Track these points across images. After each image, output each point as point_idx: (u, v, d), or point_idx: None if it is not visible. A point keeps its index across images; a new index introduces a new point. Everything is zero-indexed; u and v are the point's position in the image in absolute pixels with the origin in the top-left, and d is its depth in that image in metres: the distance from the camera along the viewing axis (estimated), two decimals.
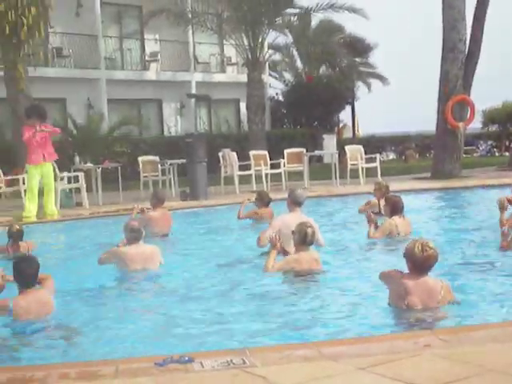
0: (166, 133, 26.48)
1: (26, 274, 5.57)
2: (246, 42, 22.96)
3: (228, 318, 5.58)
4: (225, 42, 26.58)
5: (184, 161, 16.53)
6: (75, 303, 6.33)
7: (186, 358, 4.02)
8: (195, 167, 15.44)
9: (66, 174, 15.38)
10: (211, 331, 5.20)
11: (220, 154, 17.68)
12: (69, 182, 15.53)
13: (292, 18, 25.70)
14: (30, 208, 13.10)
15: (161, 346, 4.82)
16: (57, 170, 14.37)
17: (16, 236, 8.54)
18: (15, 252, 8.42)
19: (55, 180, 14.05)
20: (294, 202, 8.09)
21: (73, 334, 5.33)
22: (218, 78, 28.19)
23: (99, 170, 15.68)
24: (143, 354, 4.61)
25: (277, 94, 32.25)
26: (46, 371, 4.06)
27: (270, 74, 30.84)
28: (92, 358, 4.62)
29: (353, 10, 25.32)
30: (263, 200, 10.93)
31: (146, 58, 26.60)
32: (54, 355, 4.83)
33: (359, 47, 33.42)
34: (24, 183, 14.41)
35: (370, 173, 18.07)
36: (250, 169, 17.42)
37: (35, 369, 4.21)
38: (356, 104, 34.02)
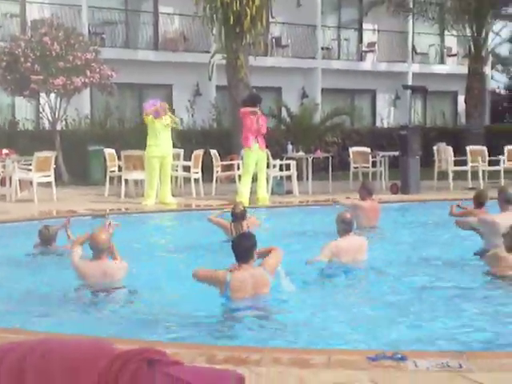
0: (378, 124, 26.28)
1: (241, 248, 5.70)
2: (468, 33, 22.10)
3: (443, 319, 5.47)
4: (446, 32, 25.76)
5: (396, 153, 16.35)
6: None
7: (400, 356, 3.98)
8: (408, 160, 15.28)
9: (278, 161, 15.78)
10: (418, 329, 5.15)
11: (434, 148, 17.25)
12: (280, 169, 15.89)
13: None
14: (244, 192, 13.63)
15: (374, 340, 4.81)
16: (270, 157, 14.81)
17: (239, 216, 8.91)
18: (237, 231, 8.75)
19: (267, 167, 14.49)
20: (507, 201, 8.03)
21: (285, 317, 5.40)
22: (437, 69, 27.43)
23: (310, 159, 15.90)
24: (353, 346, 4.63)
25: (498, 87, 30.80)
26: (261, 354, 4.19)
27: (492, 67, 29.46)
28: (304, 346, 4.70)
29: None
30: (478, 200, 10.48)
31: (363, 48, 26.51)
32: (267, 337, 4.94)
33: None
34: (239, 169, 14.98)
35: None
36: (465, 164, 16.84)
37: (250, 350, 4.37)
38: None
